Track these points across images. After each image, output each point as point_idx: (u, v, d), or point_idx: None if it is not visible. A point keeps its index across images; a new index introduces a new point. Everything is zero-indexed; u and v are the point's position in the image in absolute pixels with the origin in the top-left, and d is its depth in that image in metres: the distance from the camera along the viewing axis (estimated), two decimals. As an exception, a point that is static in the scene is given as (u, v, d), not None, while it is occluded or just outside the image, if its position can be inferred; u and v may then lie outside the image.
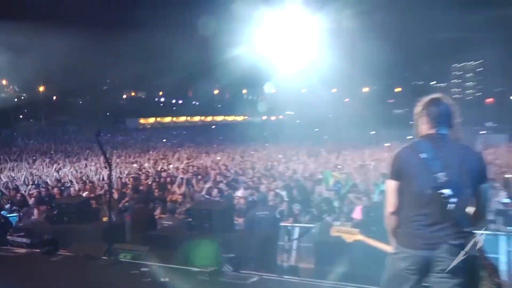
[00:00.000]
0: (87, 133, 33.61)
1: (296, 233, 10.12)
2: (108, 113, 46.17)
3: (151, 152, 32.79)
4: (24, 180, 20.18)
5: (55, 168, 24.62)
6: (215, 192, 13.58)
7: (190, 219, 9.62)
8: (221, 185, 14.65)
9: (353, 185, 13.01)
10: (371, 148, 25.72)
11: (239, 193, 12.99)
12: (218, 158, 26.10)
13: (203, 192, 13.68)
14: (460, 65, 66.97)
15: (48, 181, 18.83)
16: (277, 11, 17.87)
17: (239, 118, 53.39)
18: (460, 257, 3.75)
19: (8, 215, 12.99)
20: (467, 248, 3.78)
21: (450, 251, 3.79)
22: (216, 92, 53.65)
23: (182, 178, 16.13)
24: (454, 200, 3.74)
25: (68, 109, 41.05)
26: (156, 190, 14.39)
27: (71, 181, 18.33)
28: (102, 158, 20.14)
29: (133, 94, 48.25)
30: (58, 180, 18.58)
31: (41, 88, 51.33)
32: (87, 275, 7.10)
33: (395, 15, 34.89)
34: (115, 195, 13.23)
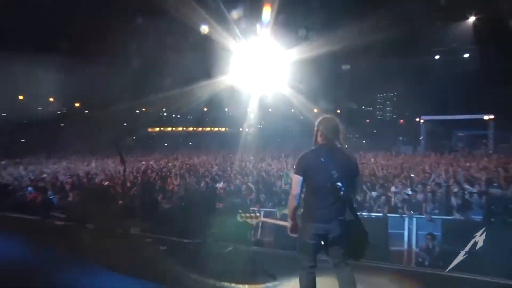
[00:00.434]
0: (108, 139, 33.28)
1: (261, 215, 10.13)
2: (124, 124, 45.75)
3: (155, 153, 32.54)
4: (62, 172, 20.11)
5: (85, 164, 24.50)
6: (202, 184, 13.56)
7: (183, 204, 9.60)
8: (207, 179, 14.61)
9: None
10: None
11: (220, 185, 12.96)
12: (205, 158, 25.95)
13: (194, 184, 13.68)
14: (381, 95, 67.97)
15: (80, 173, 18.67)
16: (249, 44, 17.77)
17: (222, 129, 53.35)
18: (343, 227, 4.33)
19: (51, 197, 12.95)
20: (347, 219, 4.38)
21: (338, 224, 4.30)
22: (205, 109, 53.60)
23: (177, 173, 16.06)
24: (343, 189, 4.23)
25: (94, 120, 40.60)
26: (159, 182, 14.32)
27: (96, 173, 18.19)
28: (119, 157, 19.95)
29: (143, 109, 48.15)
30: (87, 172, 18.39)
31: (77, 104, 51.05)
32: (107, 242, 7.03)
33: (339, 60, 35.07)
34: (128, 185, 13.11)
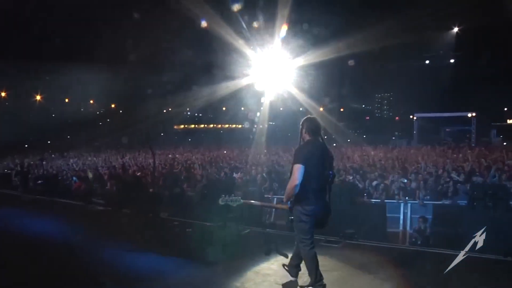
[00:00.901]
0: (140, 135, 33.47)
1: (274, 201, 10.13)
2: (153, 122, 46.10)
3: (180, 147, 32.64)
4: (101, 164, 20.33)
5: (120, 157, 24.65)
6: (222, 174, 13.56)
7: (206, 191, 9.62)
8: (226, 170, 14.62)
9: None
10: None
11: (238, 175, 12.96)
12: (225, 152, 25.99)
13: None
14: (379, 95, 67.31)
15: (116, 164, 18.81)
16: (264, 51, 17.85)
17: (239, 126, 53.38)
18: (328, 207, 4.48)
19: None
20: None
21: (324, 205, 4.45)
22: (224, 108, 53.68)
23: (200, 165, 16.11)
24: (331, 176, 4.46)
25: (129, 118, 40.91)
26: (184, 172, 14.35)
27: (129, 165, 18.30)
28: (150, 151, 20.04)
29: (170, 109, 48.35)
30: (122, 164, 18.53)
31: (113, 105, 51.51)
32: (140, 225, 7.10)
33: (344, 64, 35.12)
34: (157, 175, 13.19)
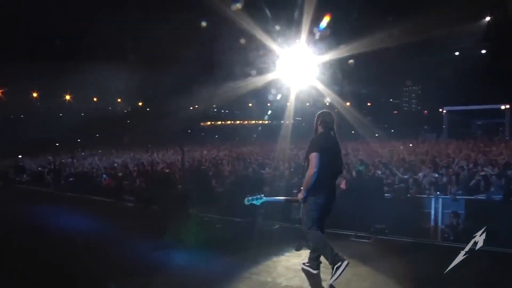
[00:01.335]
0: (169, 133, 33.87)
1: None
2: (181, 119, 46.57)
3: (207, 144, 32.91)
4: (129, 161, 20.63)
5: (149, 155, 24.99)
6: (249, 170, 13.58)
7: (234, 187, 9.65)
8: (253, 165, 14.64)
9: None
10: (351, 142, 25.29)
11: (266, 170, 12.95)
12: (251, 148, 26.07)
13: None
14: (407, 88, 66.21)
15: (145, 162, 19.10)
16: (291, 48, 17.75)
17: (265, 122, 53.40)
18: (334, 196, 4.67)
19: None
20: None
21: (334, 195, 4.67)
22: (250, 104, 53.85)
23: (228, 161, 16.18)
24: (337, 166, 4.67)
25: (155, 117, 41.47)
26: (212, 169, 14.44)
27: (158, 163, 18.53)
28: (177, 149, 20.26)
29: (196, 106, 48.81)
30: (151, 162, 18.77)
31: (140, 103, 52.29)
32: (169, 221, 7.17)
33: (373, 62, 34.81)
34: (185, 172, 13.31)
